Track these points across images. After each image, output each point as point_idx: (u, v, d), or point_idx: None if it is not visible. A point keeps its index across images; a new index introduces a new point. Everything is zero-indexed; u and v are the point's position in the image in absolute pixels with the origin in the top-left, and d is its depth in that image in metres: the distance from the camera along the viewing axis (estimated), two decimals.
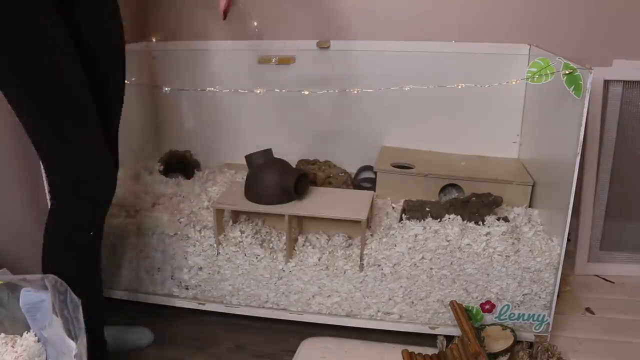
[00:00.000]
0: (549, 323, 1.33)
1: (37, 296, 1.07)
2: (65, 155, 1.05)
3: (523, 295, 1.31)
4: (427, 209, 1.41)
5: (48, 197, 1.10)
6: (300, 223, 1.45)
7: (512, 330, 1.29)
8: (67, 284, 1.00)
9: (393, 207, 1.54)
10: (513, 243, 1.30)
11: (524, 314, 1.33)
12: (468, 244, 1.30)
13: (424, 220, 1.38)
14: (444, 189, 1.58)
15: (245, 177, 1.44)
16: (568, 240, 1.27)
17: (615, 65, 1.64)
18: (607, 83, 1.61)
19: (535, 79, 1.22)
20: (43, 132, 1.03)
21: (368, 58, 1.68)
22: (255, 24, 1.74)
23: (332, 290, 1.38)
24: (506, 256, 1.29)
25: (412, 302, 1.36)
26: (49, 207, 1.10)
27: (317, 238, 1.42)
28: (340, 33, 1.72)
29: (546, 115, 1.44)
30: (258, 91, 1.26)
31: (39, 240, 1.12)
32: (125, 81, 1.21)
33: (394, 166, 1.61)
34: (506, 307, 1.33)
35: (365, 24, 1.73)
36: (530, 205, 1.51)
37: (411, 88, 1.25)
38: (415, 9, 1.70)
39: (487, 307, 1.34)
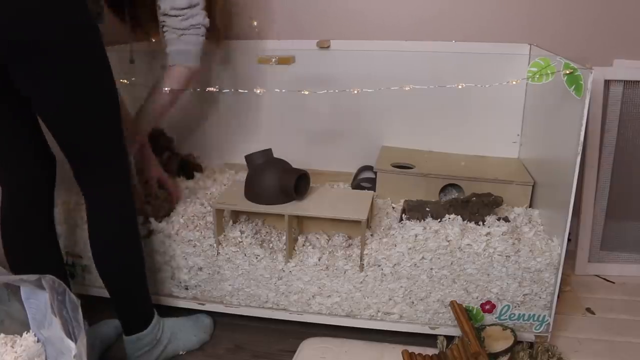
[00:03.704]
0: (549, 323, 1.33)
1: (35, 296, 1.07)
2: None
3: (523, 295, 1.31)
4: (427, 209, 1.41)
5: None
6: (300, 223, 1.44)
7: (513, 331, 1.29)
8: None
9: (393, 207, 1.54)
10: (513, 243, 1.30)
11: (524, 314, 1.33)
12: (468, 244, 1.30)
13: (424, 220, 1.38)
14: (444, 189, 1.58)
15: (245, 177, 1.44)
16: (568, 240, 1.27)
17: (615, 65, 1.64)
18: (607, 83, 1.60)
19: (535, 79, 1.22)
20: None
21: (368, 58, 1.68)
22: (255, 24, 1.74)
23: (332, 290, 1.38)
24: (506, 256, 1.28)
25: (412, 302, 1.36)
26: None
27: (317, 238, 1.42)
28: (340, 33, 1.72)
29: (546, 115, 1.44)
30: (258, 91, 1.26)
31: None
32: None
33: (394, 166, 1.61)
34: (506, 307, 1.33)
35: (365, 24, 1.72)
36: (530, 205, 1.51)
37: (411, 88, 1.24)
38: (415, 9, 1.70)
39: (487, 307, 1.34)
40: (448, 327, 1.36)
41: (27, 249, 1.23)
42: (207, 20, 1.36)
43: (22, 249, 1.23)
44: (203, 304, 1.47)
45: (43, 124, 1.17)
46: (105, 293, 1.27)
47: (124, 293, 1.27)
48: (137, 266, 1.28)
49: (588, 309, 1.54)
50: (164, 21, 1.35)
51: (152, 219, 1.44)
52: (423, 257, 1.31)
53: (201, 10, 1.34)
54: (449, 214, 1.39)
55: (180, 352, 1.38)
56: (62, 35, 1.00)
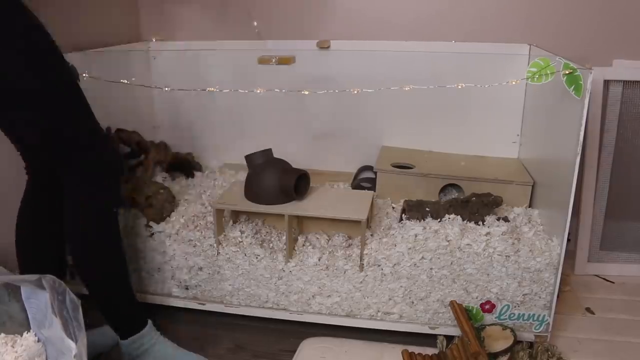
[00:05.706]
0: (549, 323, 1.33)
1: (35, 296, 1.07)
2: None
3: (523, 295, 1.31)
4: (427, 209, 1.41)
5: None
6: (300, 223, 1.45)
7: (512, 330, 1.29)
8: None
9: (393, 207, 1.54)
10: (513, 243, 1.30)
11: (524, 314, 1.33)
12: (468, 244, 1.30)
13: (424, 220, 1.38)
14: (444, 189, 1.58)
15: (245, 177, 1.44)
16: (568, 240, 1.27)
17: (615, 65, 1.64)
18: (607, 83, 1.60)
19: (535, 79, 1.22)
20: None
21: (368, 58, 1.68)
22: (255, 24, 1.74)
23: (332, 290, 1.38)
24: (506, 256, 1.29)
25: (412, 302, 1.36)
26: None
27: (317, 238, 1.42)
28: (340, 33, 1.72)
29: (546, 115, 1.44)
30: (258, 91, 1.26)
31: None
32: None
33: (394, 166, 1.61)
34: (506, 307, 1.33)
35: (365, 24, 1.73)
36: (530, 205, 1.51)
37: (411, 88, 1.25)
38: (415, 9, 1.70)
39: (487, 307, 1.34)
40: (448, 326, 1.36)
41: (37, 246, 1.22)
42: None
43: (33, 245, 1.22)
44: (203, 304, 1.47)
45: None
46: None
47: (106, 298, 1.22)
48: (119, 268, 1.21)
49: (587, 309, 1.54)
50: None
51: (152, 223, 1.44)
52: (423, 257, 1.31)
53: None
54: (448, 214, 1.39)
55: None
56: None
